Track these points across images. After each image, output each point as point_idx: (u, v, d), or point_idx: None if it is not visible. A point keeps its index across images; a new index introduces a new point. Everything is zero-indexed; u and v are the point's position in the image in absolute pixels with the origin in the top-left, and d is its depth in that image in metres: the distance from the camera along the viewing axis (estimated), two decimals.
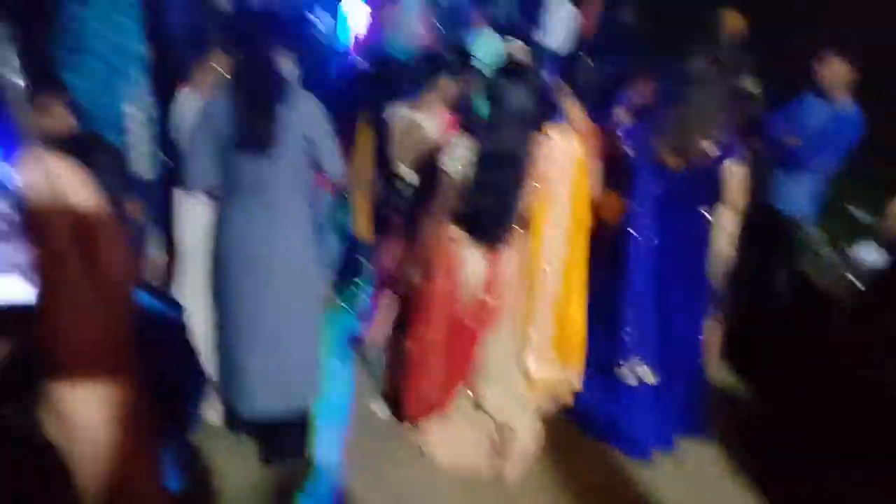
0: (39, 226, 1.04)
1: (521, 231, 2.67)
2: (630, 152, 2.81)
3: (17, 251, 1.07)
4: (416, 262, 2.74)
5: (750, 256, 3.41)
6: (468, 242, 2.63)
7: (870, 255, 4.98)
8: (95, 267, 1.08)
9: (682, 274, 2.90)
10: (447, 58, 2.80)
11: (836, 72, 3.68)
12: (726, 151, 2.74)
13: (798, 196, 3.81)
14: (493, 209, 2.54)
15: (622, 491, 2.91)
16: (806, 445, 3.16)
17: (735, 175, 2.78)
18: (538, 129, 2.55)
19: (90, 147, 1.46)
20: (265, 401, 2.55)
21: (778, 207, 3.79)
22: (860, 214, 5.73)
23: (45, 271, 1.05)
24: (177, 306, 1.60)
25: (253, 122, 2.30)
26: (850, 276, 4.84)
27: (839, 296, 4.63)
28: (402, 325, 2.94)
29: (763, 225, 3.65)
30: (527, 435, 2.87)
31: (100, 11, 2.73)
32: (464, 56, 2.88)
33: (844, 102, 3.68)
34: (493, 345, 2.76)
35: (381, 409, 3.13)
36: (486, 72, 3.20)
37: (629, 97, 3.45)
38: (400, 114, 2.86)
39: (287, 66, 2.44)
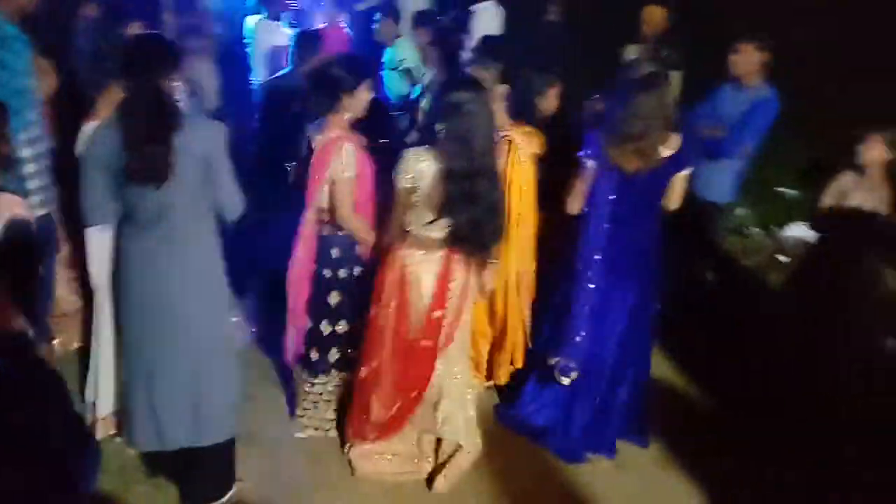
0: None
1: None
2: (587, 158, 2.77)
3: None
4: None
5: (678, 247, 3.42)
6: (419, 259, 2.60)
7: (801, 231, 5.09)
8: None
9: (632, 275, 2.87)
10: (337, 75, 2.67)
11: (749, 59, 3.72)
12: (679, 156, 2.72)
13: (722, 183, 3.84)
14: (480, 221, 2.50)
15: (557, 495, 2.89)
16: (743, 429, 3.19)
17: (683, 180, 2.79)
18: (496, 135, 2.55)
19: None
20: (175, 436, 2.45)
21: (703, 196, 3.78)
22: (789, 192, 5.85)
23: None
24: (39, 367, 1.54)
25: (143, 153, 2.20)
26: (779, 256, 4.94)
27: (768, 273, 4.72)
28: (356, 350, 2.88)
29: (689, 214, 3.67)
30: (472, 450, 2.84)
31: None
32: (358, 69, 2.72)
33: (760, 87, 3.74)
34: (445, 364, 2.71)
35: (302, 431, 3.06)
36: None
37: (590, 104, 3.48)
38: (317, 138, 2.74)
39: (181, 92, 2.34)
